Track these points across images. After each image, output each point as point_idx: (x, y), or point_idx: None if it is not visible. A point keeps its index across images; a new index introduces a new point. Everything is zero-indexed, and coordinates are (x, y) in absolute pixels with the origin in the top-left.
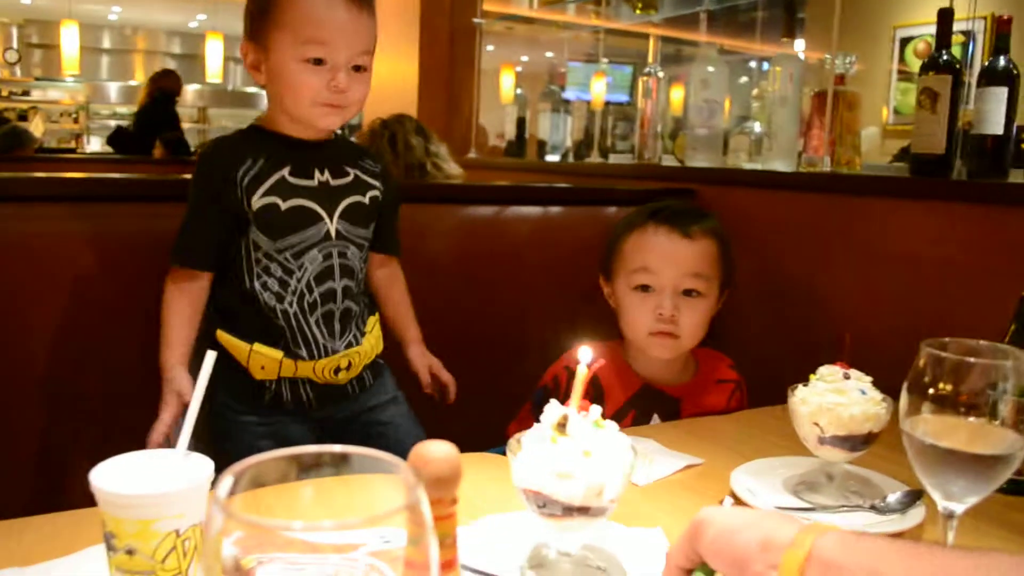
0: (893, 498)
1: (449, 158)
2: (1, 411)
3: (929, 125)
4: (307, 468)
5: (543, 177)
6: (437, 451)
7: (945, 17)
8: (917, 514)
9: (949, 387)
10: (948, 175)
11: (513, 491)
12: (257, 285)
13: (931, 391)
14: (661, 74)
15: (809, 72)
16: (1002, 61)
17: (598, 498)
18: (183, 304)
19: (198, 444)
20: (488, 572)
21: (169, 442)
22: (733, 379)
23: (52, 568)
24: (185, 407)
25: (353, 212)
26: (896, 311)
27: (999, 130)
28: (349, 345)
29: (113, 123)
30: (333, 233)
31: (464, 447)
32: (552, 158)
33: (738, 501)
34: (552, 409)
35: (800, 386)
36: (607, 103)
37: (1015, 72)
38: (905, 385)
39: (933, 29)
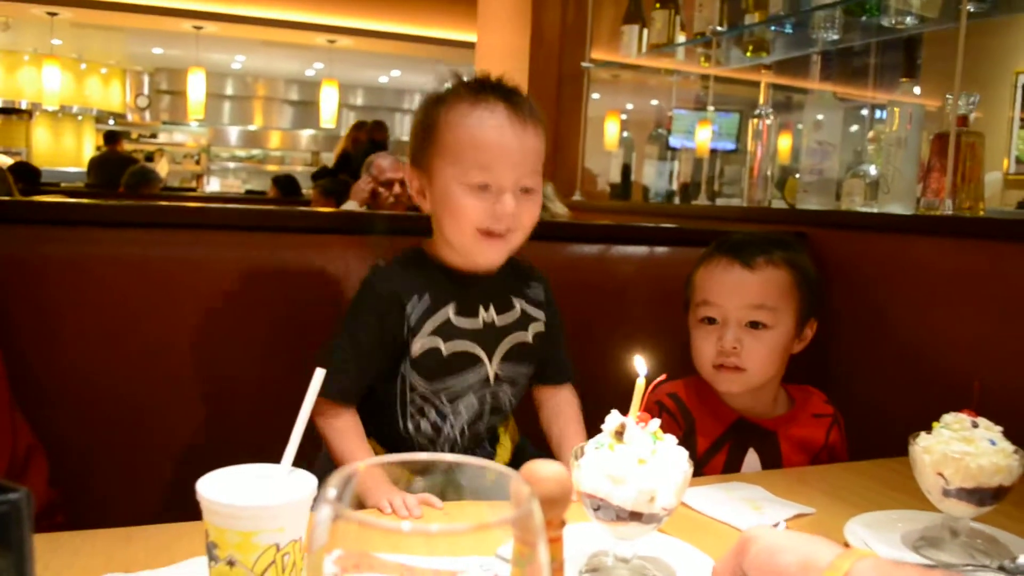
0: None
1: (556, 198)
2: (140, 422)
3: None
4: (419, 471)
5: (649, 219)
6: (548, 471)
7: None
8: None
9: None
10: None
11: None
12: (411, 427)
13: None
14: (772, 117)
15: (926, 119)
16: None
17: (650, 504)
18: (350, 440)
19: None
20: None
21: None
22: (829, 413)
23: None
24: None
25: (516, 353)
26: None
27: None
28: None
29: (232, 165)
30: (492, 377)
31: None
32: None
33: None
34: (612, 419)
35: (923, 434)
36: (713, 150)
37: None
38: None
39: None
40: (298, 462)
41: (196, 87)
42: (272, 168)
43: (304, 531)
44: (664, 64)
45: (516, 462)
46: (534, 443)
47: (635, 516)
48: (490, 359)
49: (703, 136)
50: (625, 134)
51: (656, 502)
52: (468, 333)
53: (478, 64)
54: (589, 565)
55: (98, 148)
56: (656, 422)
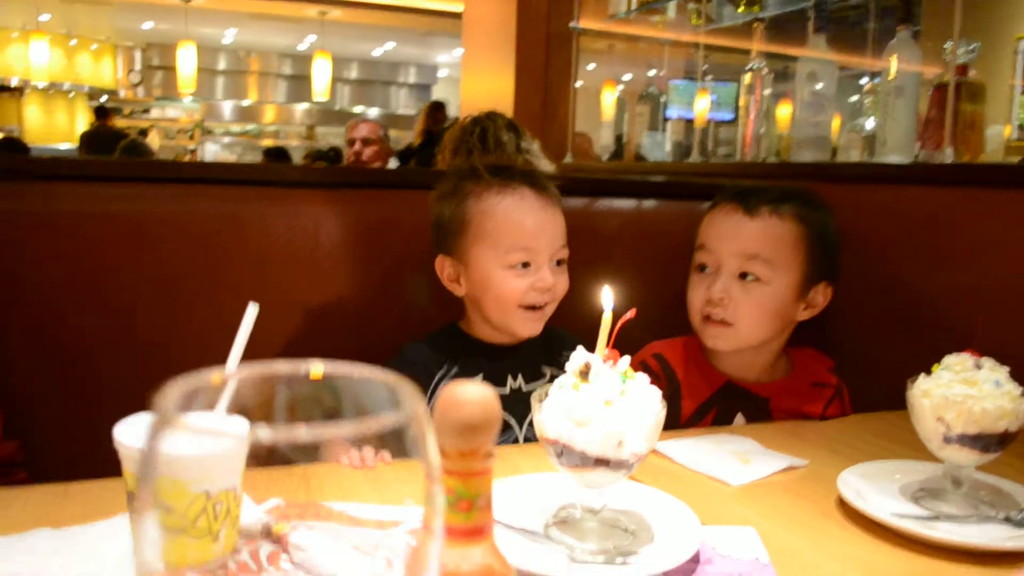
0: None
1: (542, 155)
2: (107, 378)
3: None
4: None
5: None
6: (469, 393)
7: None
8: None
9: None
10: None
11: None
12: None
13: None
14: (765, 70)
15: (924, 85)
16: None
17: (618, 449)
18: None
19: None
20: (512, 526)
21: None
22: (832, 384)
23: (85, 531)
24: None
25: None
26: None
27: None
28: None
29: (227, 140)
30: (522, 440)
31: None
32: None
33: (846, 506)
34: (577, 356)
35: (922, 376)
36: (710, 121)
37: None
38: None
39: None
40: None
41: (187, 61)
42: (268, 143)
43: (238, 480)
44: (654, 30)
45: None
46: None
47: (601, 462)
48: (520, 425)
49: (701, 105)
50: (617, 95)
51: (624, 447)
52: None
53: (466, 33)
54: (557, 517)
55: (92, 124)
56: (626, 360)
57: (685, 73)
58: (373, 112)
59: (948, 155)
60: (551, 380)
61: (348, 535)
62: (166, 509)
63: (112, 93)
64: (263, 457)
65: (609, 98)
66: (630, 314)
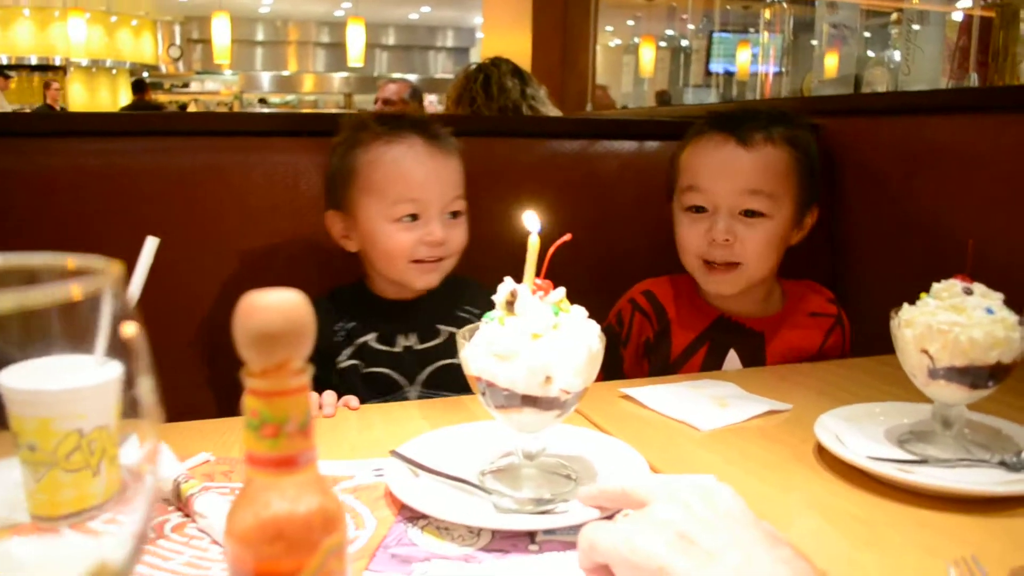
0: None
1: (547, 101)
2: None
3: None
4: None
5: None
6: (267, 298)
7: None
8: None
9: None
10: None
11: None
12: None
13: None
14: (786, 3)
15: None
16: None
17: (546, 387)
18: None
19: None
20: (446, 474)
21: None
22: (831, 313)
23: None
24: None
25: (440, 377)
26: None
27: None
28: None
29: (266, 111)
30: (415, 400)
31: None
32: None
33: (823, 451)
34: (504, 287)
35: (905, 306)
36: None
37: None
38: None
39: None
40: None
41: (221, 32)
42: (306, 112)
43: (112, 419)
44: None
45: None
46: None
47: (529, 401)
48: (411, 384)
49: (743, 58)
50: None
51: (553, 383)
52: (385, 357)
53: None
54: (495, 465)
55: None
56: (561, 291)
57: (731, 27)
58: (412, 78)
59: (973, 80)
60: (449, 340)
61: None
62: (29, 447)
63: (153, 68)
64: None
65: (648, 54)
66: (565, 238)
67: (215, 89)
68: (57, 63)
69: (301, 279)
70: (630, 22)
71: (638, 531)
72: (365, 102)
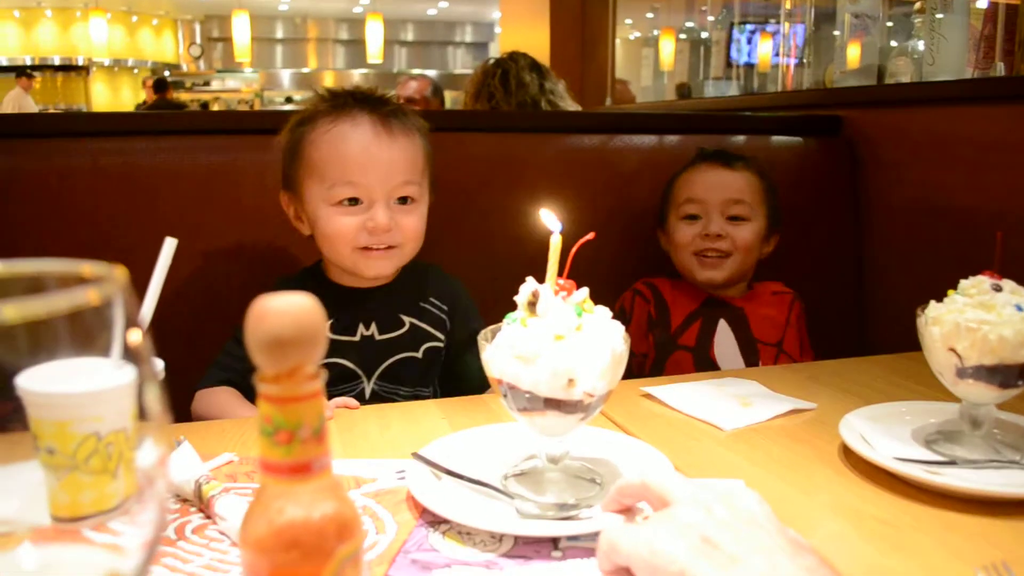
0: None
1: (566, 95)
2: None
3: None
4: None
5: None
6: (277, 303)
7: None
8: None
9: None
10: None
11: None
12: None
13: None
14: None
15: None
16: None
17: (569, 390)
18: (223, 394)
19: None
20: (469, 477)
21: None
22: (788, 291)
23: None
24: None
25: (398, 370)
26: None
27: None
28: None
29: (288, 108)
30: (368, 394)
31: None
32: None
33: (849, 452)
34: (526, 287)
35: (932, 303)
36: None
37: None
38: None
39: None
40: None
41: (241, 30)
42: None
43: (128, 422)
44: None
45: None
46: None
47: (552, 404)
48: (368, 377)
49: (765, 49)
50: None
51: (577, 386)
52: (344, 347)
53: None
54: (518, 468)
55: (151, 99)
56: (584, 291)
57: (750, 18)
58: (431, 74)
59: (999, 69)
60: (412, 330)
61: None
62: (48, 451)
63: (174, 67)
64: None
65: (668, 47)
66: (588, 237)
67: (236, 87)
68: (79, 63)
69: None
70: (649, 15)
71: (660, 534)
72: None
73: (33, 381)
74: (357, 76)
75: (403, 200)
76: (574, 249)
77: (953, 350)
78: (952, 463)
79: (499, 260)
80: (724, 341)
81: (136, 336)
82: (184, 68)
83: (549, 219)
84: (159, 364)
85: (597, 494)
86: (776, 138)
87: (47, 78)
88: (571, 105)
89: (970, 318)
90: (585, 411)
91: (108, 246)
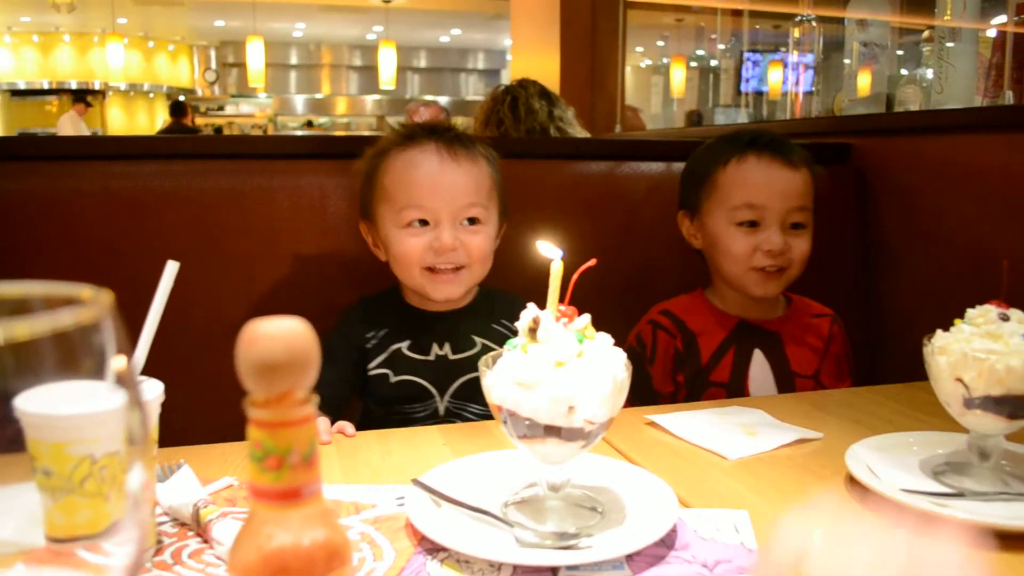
0: None
1: (575, 122)
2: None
3: None
4: None
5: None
6: (268, 327)
7: None
8: None
9: None
10: None
11: None
12: None
13: None
14: (815, 23)
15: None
16: None
17: (569, 417)
18: None
19: None
20: (469, 505)
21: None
22: (828, 313)
23: None
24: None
25: (470, 389)
26: None
27: None
28: None
29: (300, 133)
30: (443, 411)
31: None
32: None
33: (855, 483)
34: (527, 314)
35: (939, 332)
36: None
37: None
38: None
39: None
40: None
41: (255, 56)
42: (339, 134)
43: (121, 445)
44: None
45: None
46: None
47: (552, 431)
48: (441, 395)
49: (775, 78)
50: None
51: (577, 413)
52: (419, 366)
53: (513, 11)
54: (519, 496)
55: (166, 123)
56: (586, 318)
57: (761, 47)
58: (443, 101)
59: (1008, 98)
60: (483, 351)
61: None
62: (44, 472)
63: (189, 92)
64: None
65: (679, 74)
66: (589, 264)
67: (250, 112)
68: (96, 87)
69: (330, 302)
70: (660, 43)
71: None
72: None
73: (31, 402)
74: (370, 102)
75: (470, 221)
76: (575, 276)
77: (960, 380)
78: (960, 495)
79: (507, 286)
80: (759, 375)
81: (121, 361)
82: (199, 93)
83: (547, 249)
84: (159, 387)
85: (598, 523)
86: None
87: (64, 102)
88: (580, 132)
89: (977, 347)
90: (586, 439)
91: (117, 269)
